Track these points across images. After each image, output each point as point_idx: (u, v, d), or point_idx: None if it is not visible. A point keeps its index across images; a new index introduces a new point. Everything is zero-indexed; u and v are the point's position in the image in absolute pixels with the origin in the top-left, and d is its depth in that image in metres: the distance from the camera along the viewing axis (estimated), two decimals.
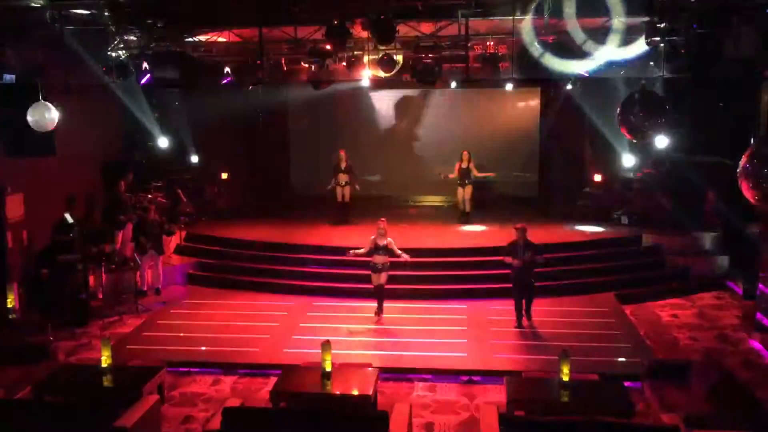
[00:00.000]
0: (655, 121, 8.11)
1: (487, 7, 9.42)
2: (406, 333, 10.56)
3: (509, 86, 13.87)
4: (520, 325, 10.52)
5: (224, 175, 17.09)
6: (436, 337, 10.31)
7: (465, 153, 15.10)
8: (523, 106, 17.75)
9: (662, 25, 8.97)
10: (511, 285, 10.67)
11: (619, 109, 9.00)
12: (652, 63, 9.93)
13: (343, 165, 15.16)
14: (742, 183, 6.10)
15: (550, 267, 12.19)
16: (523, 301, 10.59)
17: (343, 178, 15.14)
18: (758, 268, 11.05)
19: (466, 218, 15.18)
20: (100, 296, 12.29)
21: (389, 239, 10.69)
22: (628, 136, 8.73)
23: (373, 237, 10.69)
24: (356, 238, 12.18)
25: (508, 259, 10.39)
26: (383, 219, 10.92)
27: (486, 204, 16.09)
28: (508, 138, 17.75)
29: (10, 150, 10.54)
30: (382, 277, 10.79)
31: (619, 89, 11.48)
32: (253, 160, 17.88)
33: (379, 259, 10.69)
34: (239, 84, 12.79)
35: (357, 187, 15.33)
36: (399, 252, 10.75)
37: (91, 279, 12.00)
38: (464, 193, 15.07)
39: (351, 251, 10.89)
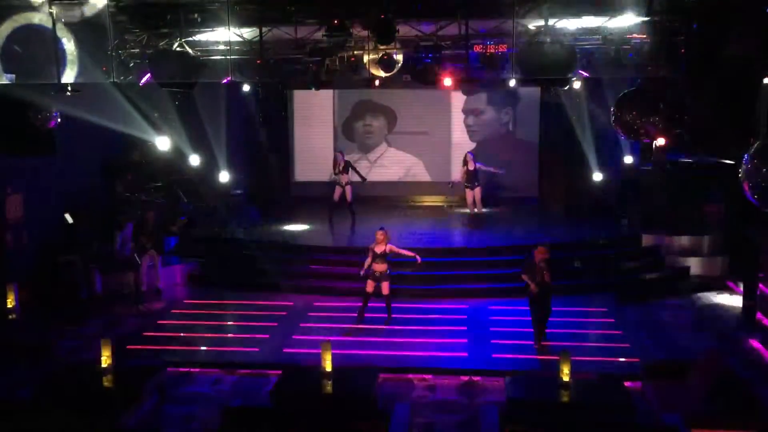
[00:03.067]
0: (649, 121, 8.11)
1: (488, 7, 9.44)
2: (406, 333, 10.55)
3: (513, 82, 13.77)
4: (539, 346, 9.86)
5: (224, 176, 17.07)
6: (436, 337, 10.31)
7: (469, 155, 15.05)
8: (523, 106, 17.74)
9: (662, 25, 8.99)
10: (528, 304, 10.08)
11: (613, 108, 9.00)
12: (651, 63, 9.93)
13: (341, 166, 15.10)
14: (743, 183, 6.09)
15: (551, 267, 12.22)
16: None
17: (343, 179, 15.10)
18: (758, 268, 11.06)
19: (479, 220, 15.12)
20: (100, 296, 12.29)
21: (389, 245, 10.57)
22: (622, 136, 8.75)
23: (372, 245, 10.61)
24: (357, 238, 12.19)
25: (526, 278, 9.82)
26: (383, 228, 10.75)
27: (486, 204, 16.10)
28: (508, 138, 17.78)
29: (10, 150, 10.58)
30: (384, 287, 10.66)
31: (620, 89, 11.47)
32: (252, 161, 17.88)
33: (378, 267, 10.58)
34: (239, 84, 12.79)
35: (364, 179, 15.29)
36: (405, 252, 10.70)
37: (91, 279, 12.01)
38: (474, 195, 15.02)
39: (362, 272, 10.69)
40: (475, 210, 15.10)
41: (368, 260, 10.62)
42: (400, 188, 18.18)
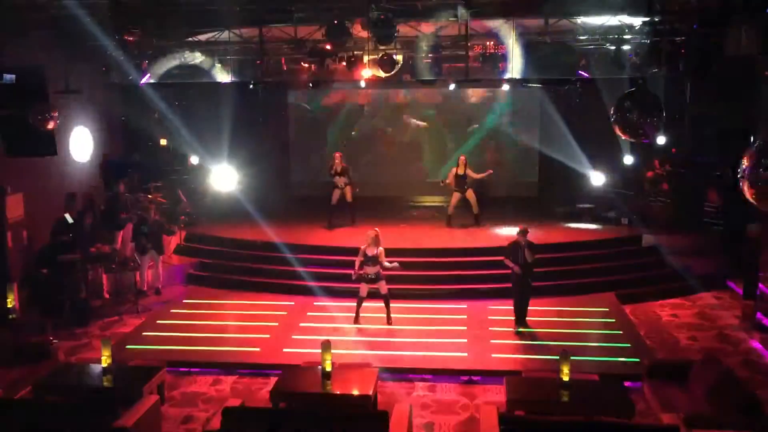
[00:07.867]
0: (649, 120, 8.11)
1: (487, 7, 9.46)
2: (406, 333, 10.55)
3: (512, 82, 13.72)
4: (519, 327, 10.41)
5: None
6: (436, 337, 10.31)
7: (462, 158, 14.81)
8: (523, 106, 17.73)
9: (662, 26, 9.00)
10: (510, 285, 10.59)
11: (613, 108, 9.00)
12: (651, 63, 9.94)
13: (339, 168, 15.01)
14: (741, 182, 6.09)
15: (551, 267, 12.24)
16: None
17: (340, 181, 15.03)
18: (758, 268, 11.06)
19: (477, 220, 15.06)
20: (101, 296, 12.30)
21: (381, 249, 10.50)
22: (622, 136, 8.76)
23: (363, 247, 10.54)
24: (358, 238, 12.16)
25: (509, 262, 10.30)
26: (376, 228, 10.72)
27: (487, 204, 16.09)
28: (507, 138, 17.78)
29: (10, 150, 10.57)
30: (381, 287, 10.62)
31: (619, 89, 11.46)
32: (253, 160, 17.87)
33: (370, 269, 10.53)
34: (239, 83, 12.80)
35: (354, 189, 15.13)
36: (387, 264, 10.49)
37: (91, 279, 12.00)
38: (467, 197, 14.93)
39: (355, 274, 10.57)
40: (474, 212, 15.05)
41: (358, 262, 10.55)
42: (400, 188, 18.17)
